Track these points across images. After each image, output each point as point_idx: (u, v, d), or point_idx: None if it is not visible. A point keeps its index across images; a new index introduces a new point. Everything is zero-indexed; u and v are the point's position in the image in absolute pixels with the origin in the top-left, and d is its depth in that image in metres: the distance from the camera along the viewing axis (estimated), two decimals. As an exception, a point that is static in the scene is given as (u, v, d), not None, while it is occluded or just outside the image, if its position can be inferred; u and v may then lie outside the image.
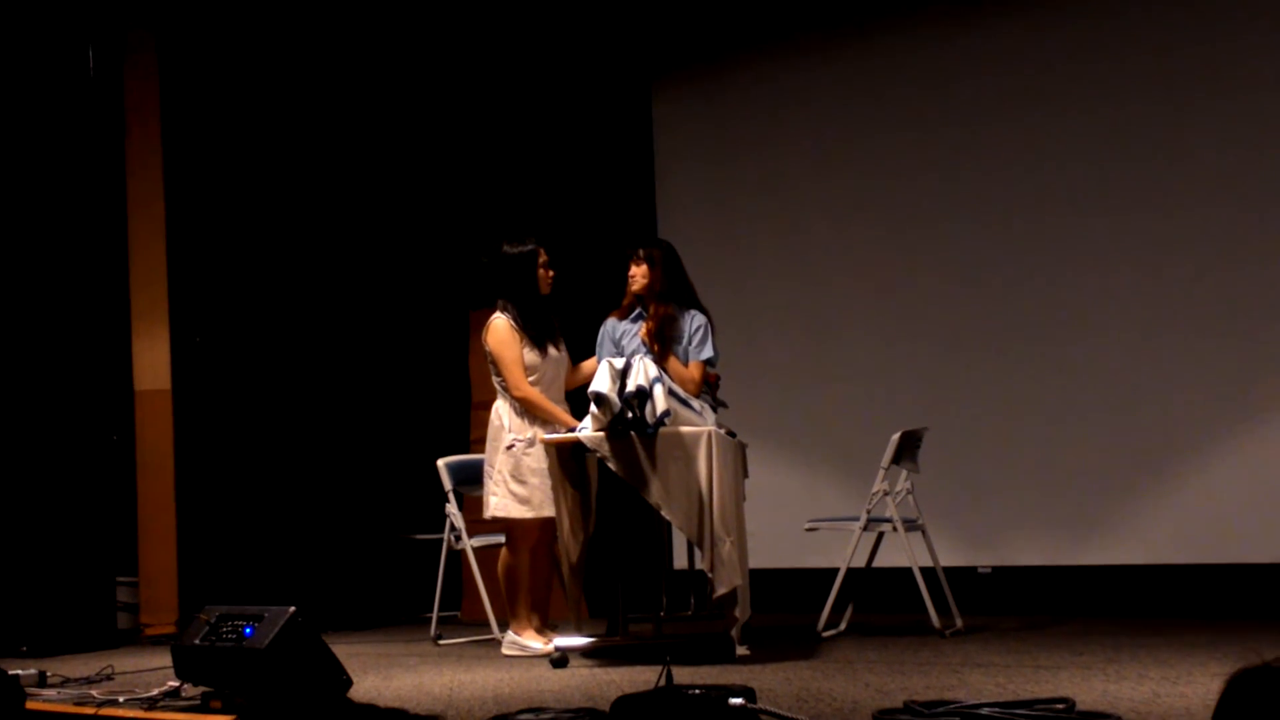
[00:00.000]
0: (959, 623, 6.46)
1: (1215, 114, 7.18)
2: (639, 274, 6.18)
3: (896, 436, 6.45)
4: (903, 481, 6.53)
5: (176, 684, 5.07)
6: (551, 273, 6.30)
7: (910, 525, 6.50)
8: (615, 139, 8.78)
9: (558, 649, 5.72)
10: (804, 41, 8.33)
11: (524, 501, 6.07)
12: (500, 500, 6.10)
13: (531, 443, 6.05)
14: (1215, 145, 7.17)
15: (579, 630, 5.86)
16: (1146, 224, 7.33)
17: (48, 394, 7.46)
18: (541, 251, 6.27)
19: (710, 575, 5.46)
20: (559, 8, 8.62)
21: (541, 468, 5.94)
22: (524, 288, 6.23)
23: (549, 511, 5.91)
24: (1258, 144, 7.07)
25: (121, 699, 5.11)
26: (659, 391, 5.45)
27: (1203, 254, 7.18)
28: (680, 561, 7.31)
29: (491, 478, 6.15)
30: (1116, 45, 7.44)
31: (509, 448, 6.10)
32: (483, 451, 6.39)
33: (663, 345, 6.09)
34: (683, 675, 4.83)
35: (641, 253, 6.21)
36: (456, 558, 7.17)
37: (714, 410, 6.02)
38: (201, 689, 4.96)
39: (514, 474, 6.08)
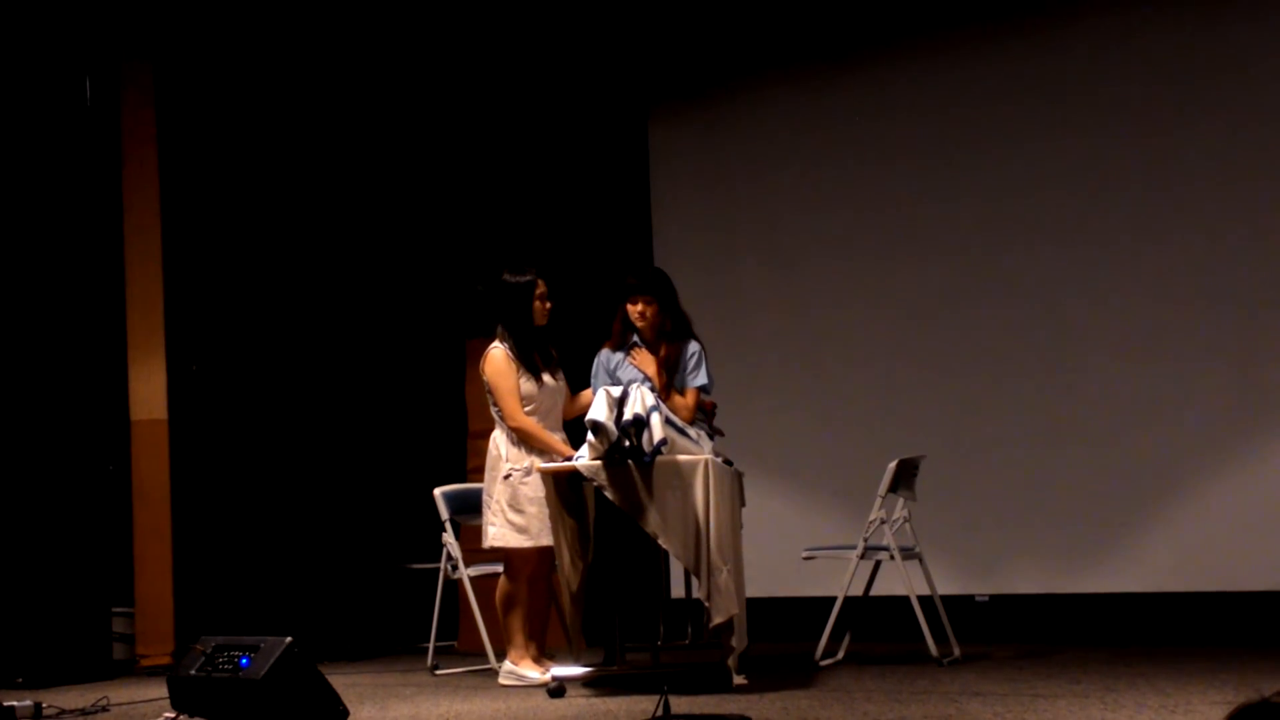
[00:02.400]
0: (956, 651, 6.46)
1: (1208, 143, 7.22)
2: (650, 312, 6.15)
3: (893, 465, 6.45)
4: (900, 510, 6.53)
5: (172, 715, 5.06)
6: (549, 304, 6.29)
7: (907, 553, 6.50)
8: (611, 167, 8.80)
9: (555, 679, 5.71)
10: (800, 72, 8.36)
11: (521, 530, 6.06)
12: (498, 530, 6.09)
13: (528, 472, 6.04)
14: (1209, 174, 7.20)
15: (576, 660, 5.85)
16: (1142, 253, 7.35)
17: (44, 424, 7.45)
18: (540, 283, 6.26)
19: (707, 604, 5.45)
20: (556, 36, 8.65)
21: (539, 496, 5.94)
22: (519, 318, 6.22)
23: (547, 540, 5.90)
24: (1251, 173, 7.11)
25: (117, 730, 5.10)
26: (656, 420, 5.45)
27: (1198, 281, 7.21)
28: (677, 590, 7.31)
29: (489, 507, 6.14)
30: (1112, 74, 7.48)
31: (506, 477, 6.09)
32: (479, 481, 6.39)
33: (669, 381, 6.08)
34: (680, 705, 4.84)
35: (651, 291, 6.15)
36: (453, 587, 7.15)
37: (711, 439, 6.01)
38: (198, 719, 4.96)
39: (511, 503, 6.07)
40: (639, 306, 6.15)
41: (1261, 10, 7.15)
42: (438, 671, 6.85)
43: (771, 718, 4.71)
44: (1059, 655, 6.55)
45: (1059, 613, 7.43)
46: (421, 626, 7.42)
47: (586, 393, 6.33)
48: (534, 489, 5.99)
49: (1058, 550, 7.46)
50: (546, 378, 6.22)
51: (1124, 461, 7.32)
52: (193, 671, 4.90)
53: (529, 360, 6.19)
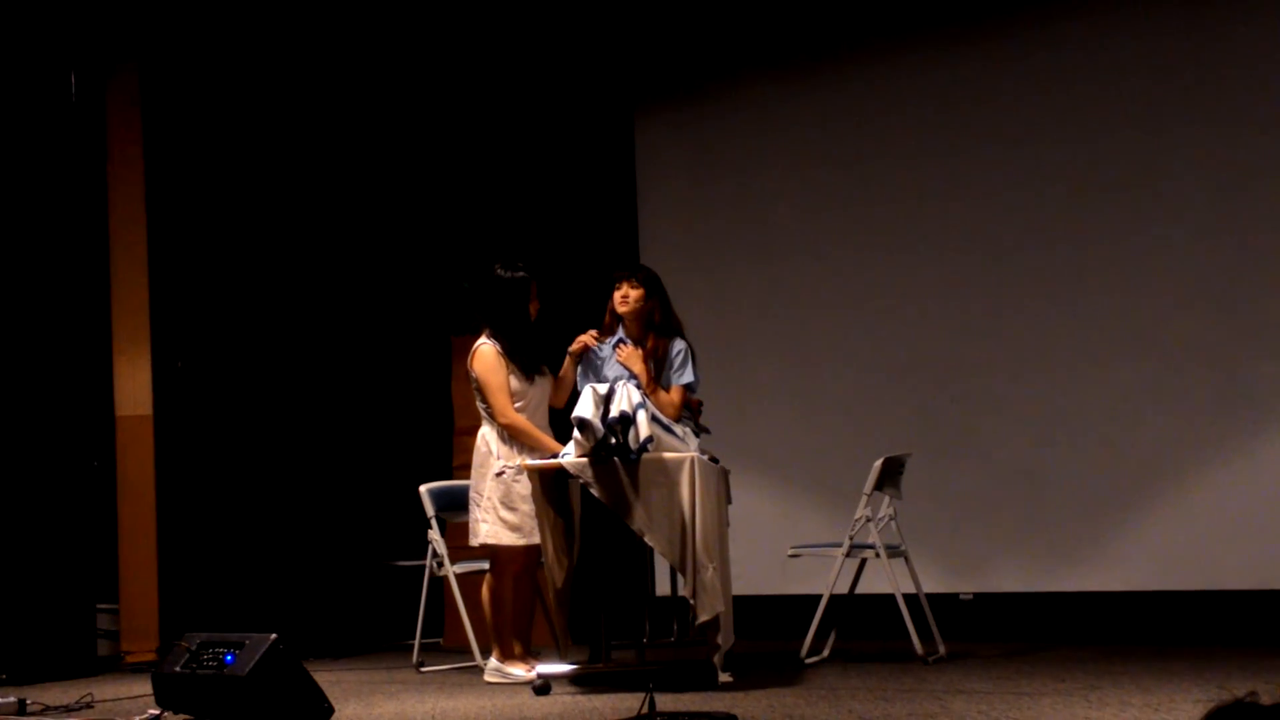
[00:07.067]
0: (942, 649, 6.47)
1: (1196, 145, 7.23)
2: (634, 296, 6.13)
3: (879, 463, 6.46)
4: (885, 508, 6.54)
5: (157, 712, 5.06)
6: (538, 304, 6.29)
7: (893, 551, 6.51)
8: (597, 166, 8.79)
9: (540, 676, 5.71)
10: (785, 70, 8.36)
11: (514, 529, 6.05)
12: (490, 527, 6.08)
13: (521, 470, 6.02)
14: (1196, 175, 7.22)
15: (562, 657, 5.85)
16: (1128, 252, 7.37)
17: (28, 419, 7.43)
18: (533, 283, 6.26)
19: (693, 602, 5.45)
20: (542, 33, 8.65)
21: (531, 494, 5.92)
22: (514, 314, 6.21)
23: (538, 538, 5.89)
24: (1238, 174, 7.12)
25: (101, 727, 5.09)
26: (642, 417, 5.45)
27: (1182, 282, 7.22)
28: (663, 588, 7.30)
29: (480, 505, 6.12)
30: (1101, 75, 7.49)
31: (499, 474, 6.08)
32: (465, 478, 6.37)
33: (656, 376, 6.07)
34: (666, 702, 4.84)
35: (640, 276, 6.17)
36: (439, 584, 7.15)
37: (697, 436, 6.02)
38: (182, 717, 4.95)
39: (504, 501, 6.06)
40: (623, 290, 6.12)
41: (1252, 12, 7.16)
42: (423, 669, 6.84)
43: (757, 715, 4.71)
44: (1043, 653, 6.57)
45: (1043, 611, 7.44)
46: (407, 624, 7.41)
47: (566, 372, 6.30)
48: (526, 487, 5.97)
49: (1042, 549, 7.48)
50: (535, 374, 6.22)
51: (1109, 461, 7.34)
52: (177, 668, 4.89)
53: (520, 357, 6.18)
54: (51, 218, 7.64)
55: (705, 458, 5.65)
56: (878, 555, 6.45)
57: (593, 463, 5.52)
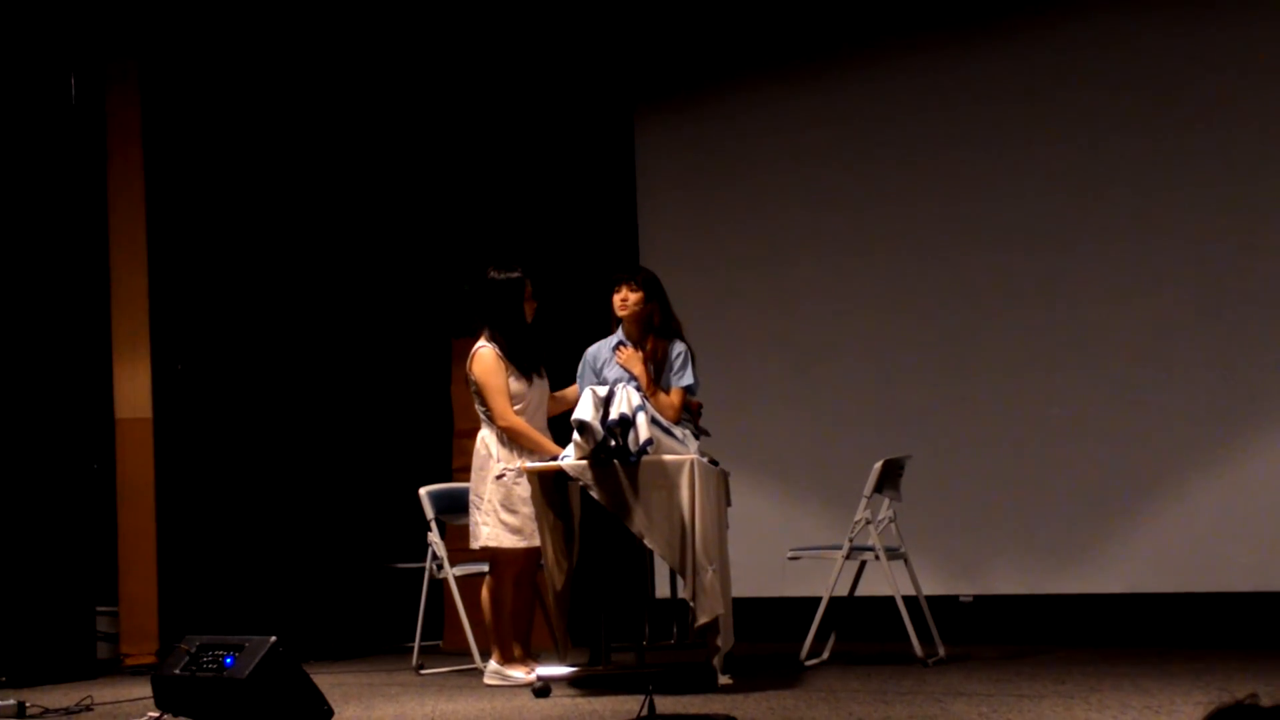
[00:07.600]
0: (941, 651, 6.47)
1: (1194, 147, 7.23)
2: (633, 300, 6.14)
3: (879, 465, 6.45)
4: (885, 510, 6.54)
5: (157, 714, 5.06)
6: (534, 303, 6.29)
7: (892, 554, 6.51)
8: (598, 166, 8.80)
9: (540, 679, 5.70)
10: (786, 70, 8.36)
11: (515, 531, 6.05)
12: (491, 530, 6.07)
13: (521, 472, 6.02)
14: (1197, 177, 7.21)
15: (562, 659, 5.85)
16: (1127, 255, 7.37)
17: (28, 422, 7.43)
18: (528, 282, 6.26)
19: (692, 604, 5.45)
20: (543, 35, 8.65)
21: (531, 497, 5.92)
22: (510, 316, 6.21)
23: (538, 541, 5.88)
24: (1238, 176, 7.12)
25: (101, 730, 5.09)
26: (642, 420, 5.45)
27: (1183, 283, 7.22)
28: (663, 590, 7.32)
29: (480, 508, 6.11)
30: (1102, 78, 7.49)
31: (499, 477, 6.07)
32: (464, 480, 6.37)
33: (656, 379, 6.07)
34: (665, 705, 4.84)
35: (639, 278, 6.17)
36: (439, 587, 7.15)
37: (696, 438, 6.01)
38: (182, 719, 4.94)
39: (505, 504, 6.05)
40: (622, 293, 6.12)
41: (1248, 13, 7.17)
42: (423, 671, 6.84)
43: (757, 718, 4.71)
44: (1043, 656, 6.56)
45: (1043, 613, 7.44)
46: (407, 626, 7.41)
47: (569, 389, 6.33)
48: (527, 489, 5.96)
49: (1042, 551, 7.48)
50: (534, 376, 6.21)
51: (1108, 463, 7.34)
52: (177, 671, 4.89)
53: (519, 359, 6.18)
54: (51, 220, 7.64)
55: (705, 460, 5.65)
56: (877, 557, 6.44)
57: (592, 465, 5.52)
